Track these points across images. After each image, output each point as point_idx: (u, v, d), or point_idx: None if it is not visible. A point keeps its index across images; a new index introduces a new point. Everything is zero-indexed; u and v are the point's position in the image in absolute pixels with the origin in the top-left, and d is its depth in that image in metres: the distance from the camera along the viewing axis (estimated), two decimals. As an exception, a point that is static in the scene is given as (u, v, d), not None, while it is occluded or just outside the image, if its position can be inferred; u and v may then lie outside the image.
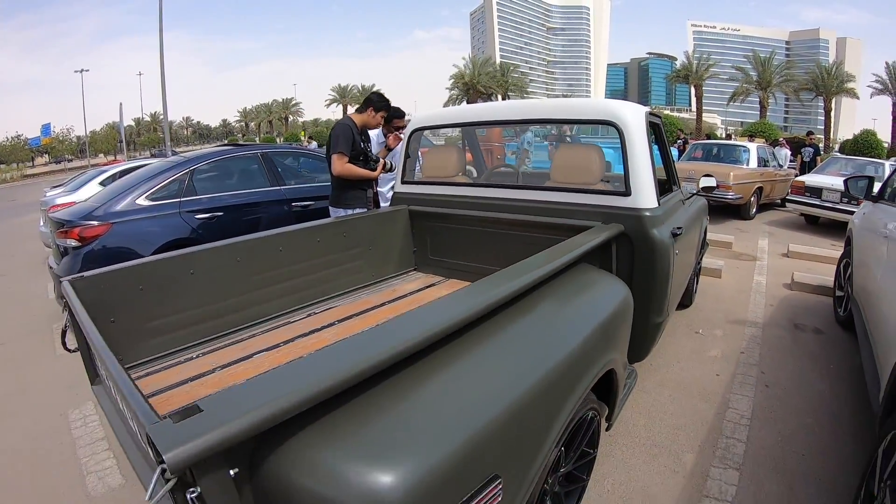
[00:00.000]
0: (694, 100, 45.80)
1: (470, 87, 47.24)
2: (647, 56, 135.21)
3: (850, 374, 3.04)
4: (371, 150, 3.64)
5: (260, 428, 0.84)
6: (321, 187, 4.79)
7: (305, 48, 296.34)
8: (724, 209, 8.44)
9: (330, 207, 3.68)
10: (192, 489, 0.80)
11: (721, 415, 2.63)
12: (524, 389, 1.23)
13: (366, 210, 3.57)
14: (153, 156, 13.93)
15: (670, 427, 2.52)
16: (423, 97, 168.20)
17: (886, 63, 37.12)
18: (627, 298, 1.95)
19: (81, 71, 45.06)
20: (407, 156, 3.27)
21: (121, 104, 26.48)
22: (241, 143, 6.75)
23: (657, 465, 2.24)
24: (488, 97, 48.68)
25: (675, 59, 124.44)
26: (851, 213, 6.74)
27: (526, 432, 1.24)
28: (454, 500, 0.99)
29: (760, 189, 8.70)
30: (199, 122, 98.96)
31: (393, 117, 4.03)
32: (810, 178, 8.08)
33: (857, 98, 40.59)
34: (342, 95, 59.68)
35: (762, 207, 9.26)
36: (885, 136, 32.12)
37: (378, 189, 4.37)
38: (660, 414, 2.64)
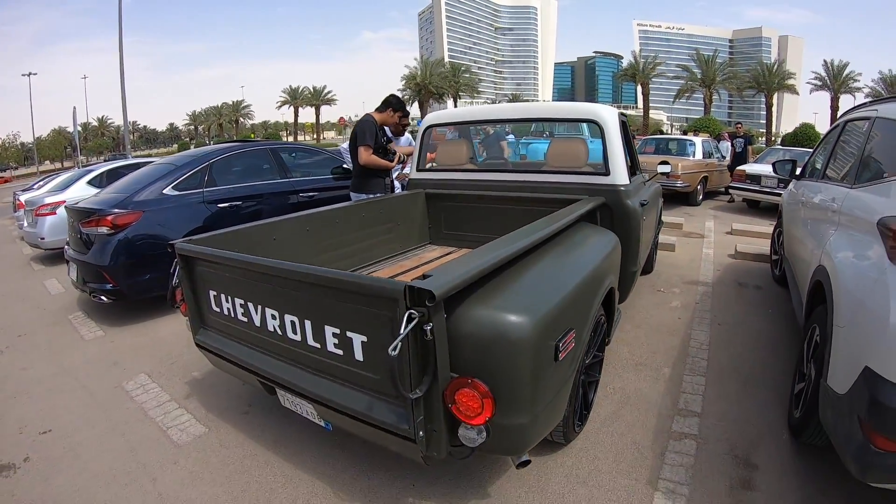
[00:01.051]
0: (640, 97, 48.12)
1: (422, 88, 48.22)
2: (594, 55, 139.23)
3: (785, 317, 3.79)
4: (390, 146, 4.15)
5: (462, 285, 1.43)
6: (321, 180, 5.31)
7: (255, 50, 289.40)
8: (673, 196, 9.37)
9: (352, 193, 4.17)
10: (428, 324, 1.33)
11: (686, 343, 3.33)
12: (577, 282, 1.93)
13: (384, 195, 4.08)
14: (108, 160, 13.65)
15: (648, 352, 3.20)
16: (372, 98, 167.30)
17: (825, 61, 40.41)
18: (617, 243, 2.63)
19: (29, 74, 42.59)
20: (421, 148, 3.82)
21: (74, 108, 25.19)
22: (250, 140, 7.02)
23: (643, 375, 2.91)
24: (439, 97, 50.33)
25: (622, 58, 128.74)
26: (770, 192, 7.79)
27: (581, 308, 1.91)
28: (553, 338, 1.61)
29: (706, 178, 9.75)
30: (145, 127, 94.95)
31: (402, 116, 4.55)
32: (751, 167, 9.12)
33: (798, 94, 43.42)
34: (293, 97, 59.37)
35: (707, 195, 10.32)
36: (823, 130, 34.93)
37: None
38: (639, 345, 3.33)
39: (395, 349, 1.30)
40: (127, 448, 2.36)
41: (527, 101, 79.16)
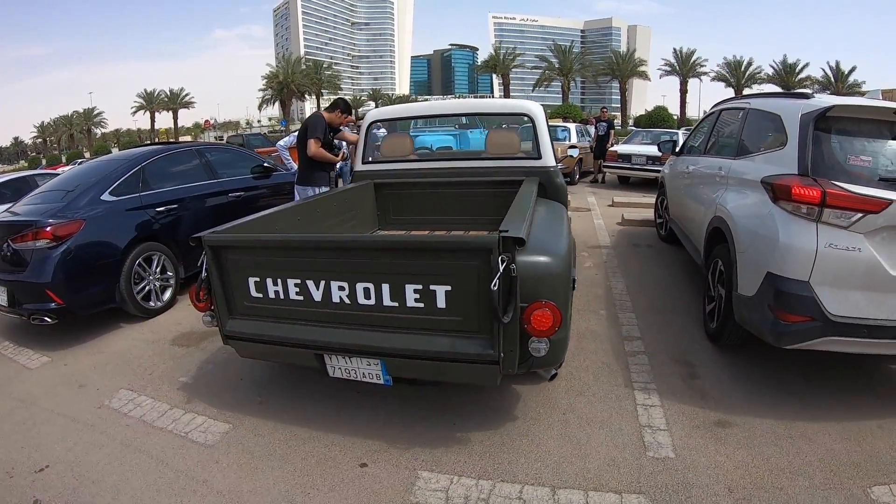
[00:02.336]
0: (497, 88, 51.56)
1: (284, 87, 47.33)
2: (450, 47, 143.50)
3: (677, 264, 4.83)
4: (336, 142, 4.42)
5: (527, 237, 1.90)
6: (245, 179, 5.28)
7: (104, 52, 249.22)
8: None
9: (298, 186, 4.38)
10: (513, 264, 1.75)
11: (609, 292, 4.16)
12: (566, 233, 2.53)
13: (328, 188, 4.36)
14: None
15: (584, 301, 3.92)
16: (230, 98, 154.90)
17: (675, 49, 46.22)
18: (564, 209, 3.35)
19: None
20: (366, 142, 4.11)
21: None
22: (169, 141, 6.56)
23: (587, 318, 3.63)
24: (301, 96, 49.83)
25: (477, 50, 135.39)
26: (655, 170, 9.38)
27: (572, 252, 2.47)
28: (570, 273, 2.11)
29: (581, 160, 11.24)
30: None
31: (346, 116, 4.81)
32: (622, 148, 10.73)
33: (650, 80, 49.28)
34: (149, 102, 54.75)
35: (581, 175, 11.90)
36: (674, 111, 40.83)
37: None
38: (574, 296, 4.01)
39: (495, 285, 1.73)
40: (153, 461, 2.29)
41: (387, 95, 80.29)
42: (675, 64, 45.41)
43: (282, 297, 2.21)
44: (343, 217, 3.65)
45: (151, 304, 4.06)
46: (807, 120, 2.36)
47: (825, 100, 2.45)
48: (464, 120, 12.82)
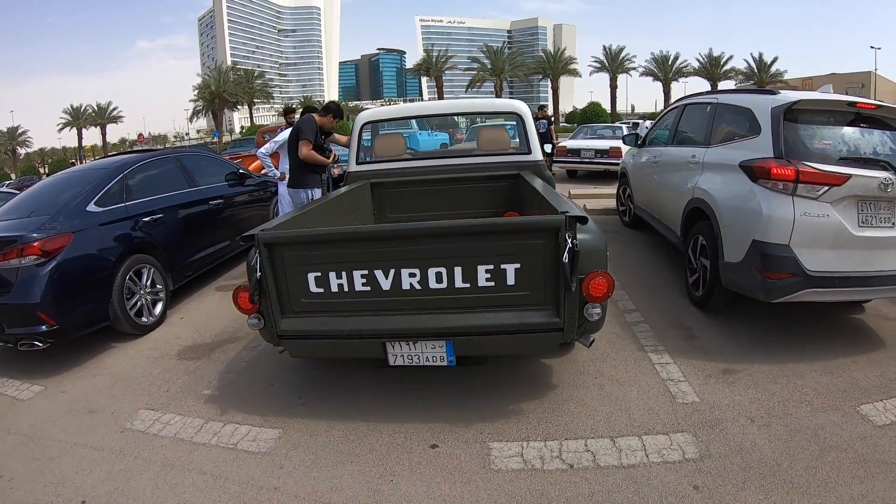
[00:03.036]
0: (426, 90, 51.99)
1: (216, 97, 45.97)
2: (378, 52, 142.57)
3: (646, 246, 5.31)
4: (326, 144, 4.47)
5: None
6: (223, 186, 5.23)
7: (22, 67, 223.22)
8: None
9: (289, 189, 4.42)
10: (576, 240, 1.99)
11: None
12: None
13: (321, 189, 4.46)
14: None
15: None
16: (157, 111, 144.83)
17: (604, 46, 47.87)
18: None
19: None
20: (359, 143, 4.24)
21: None
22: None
23: None
24: (234, 105, 48.83)
25: (405, 53, 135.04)
26: (603, 163, 10.04)
27: None
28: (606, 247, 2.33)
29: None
30: None
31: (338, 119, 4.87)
32: (571, 143, 11.35)
33: (580, 77, 50.64)
34: (76, 117, 51.18)
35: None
36: (605, 106, 42.56)
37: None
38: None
39: (565, 258, 1.99)
40: (208, 477, 2.20)
41: (318, 102, 79.44)
42: (605, 61, 47.25)
43: (346, 289, 2.27)
44: (345, 217, 3.73)
45: (144, 319, 3.88)
46: (777, 112, 2.83)
47: (790, 95, 2.94)
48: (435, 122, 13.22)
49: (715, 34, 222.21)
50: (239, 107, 49.71)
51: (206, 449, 2.41)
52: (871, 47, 53.21)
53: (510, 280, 2.16)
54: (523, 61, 52.37)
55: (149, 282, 3.96)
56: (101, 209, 3.78)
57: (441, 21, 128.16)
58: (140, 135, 49.70)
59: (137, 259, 3.87)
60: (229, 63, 70.82)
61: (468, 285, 2.19)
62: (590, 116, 28.31)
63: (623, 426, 2.32)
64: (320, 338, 2.38)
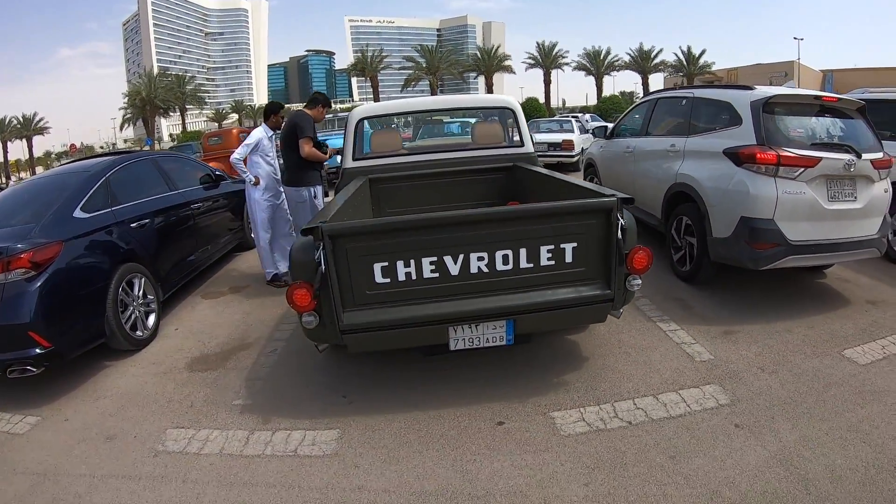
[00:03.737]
0: (356, 91, 51.29)
1: (147, 103, 43.94)
2: (307, 53, 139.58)
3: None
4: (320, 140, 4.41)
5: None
6: (200, 189, 5.06)
7: None
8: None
9: (289, 188, 4.30)
10: (623, 219, 2.28)
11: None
12: None
13: (321, 186, 4.41)
14: None
15: None
16: (79, 121, 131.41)
17: (538, 42, 48.73)
18: None
19: None
20: (355, 139, 4.25)
21: None
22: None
23: None
24: (166, 112, 47.10)
25: (334, 54, 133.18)
26: (555, 155, 10.55)
27: None
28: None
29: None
30: None
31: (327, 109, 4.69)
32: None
33: (514, 73, 51.15)
34: (0, 130, 47.38)
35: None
36: (542, 100, 43.51)
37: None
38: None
39: (619, 235, 2.23)
40: (280, 488, 2.10)
41: (249, 106, 76.55)
42: (539, 56, 48.10)
43: (413, 277, 2.28)
44: (359, 210, 3.71)
45: (139, 333, 3.59)
46: (756, 105, 3.27)
47: (766, 90, 3.40)
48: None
49: (643, 30, 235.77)
50: (171, 113, 47.74)
51: (263, 460, 2.28)
52: (795, 38, 57.57)
53: (568, 258, 2.34)
54: (458, 59, 53.06)
55: (141, 292, 3.69)
56: (88, 215, 3.49)
57: (370, 21, 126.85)
58: (72, 145, 46.25)
59: (129, 268, 3.60)
60: (156, 69, 66.74)
61: (531, 265, 2.33)
62: (529, 112, 29.33)
63: (658, 385, 2.61)
64: (385, 329, 2.34)
